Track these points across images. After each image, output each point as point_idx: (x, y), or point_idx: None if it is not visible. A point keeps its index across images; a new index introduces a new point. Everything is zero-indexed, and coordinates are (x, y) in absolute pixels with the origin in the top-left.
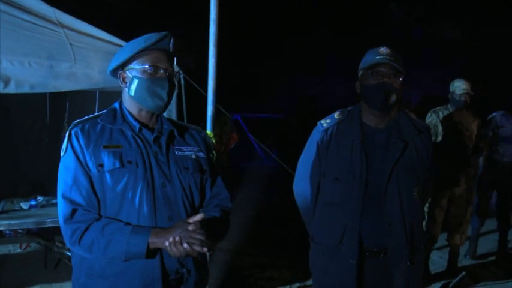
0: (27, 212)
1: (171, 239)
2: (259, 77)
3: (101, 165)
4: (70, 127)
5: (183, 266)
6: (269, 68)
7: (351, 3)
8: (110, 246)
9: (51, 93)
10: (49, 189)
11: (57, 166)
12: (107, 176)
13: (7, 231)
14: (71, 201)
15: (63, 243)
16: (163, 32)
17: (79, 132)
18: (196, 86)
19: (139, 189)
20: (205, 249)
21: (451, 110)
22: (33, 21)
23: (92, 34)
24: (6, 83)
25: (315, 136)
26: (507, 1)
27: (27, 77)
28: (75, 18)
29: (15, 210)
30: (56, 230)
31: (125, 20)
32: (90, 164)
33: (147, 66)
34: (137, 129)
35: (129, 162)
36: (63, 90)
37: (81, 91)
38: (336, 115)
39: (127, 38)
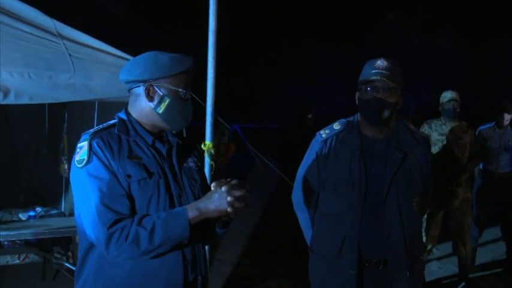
0: (26, 223)
1: (229, 198)
2: (257, 86)
3: (129, 176)
4: (87, 137)
5: (197, 272)
6: (267, 78)
7: (348, 13)
8: (154, 234)
9: (50, 104)
10: (48, 199)
11: (56, 176)
12: (135, 186)
13: (5, 242)
14: (112, 210)
15: (62, 254)
16: (191, 57)
17: (101, 142)
18: (195, 96)
19: (162, 199)
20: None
21: (443, 122)
22: (33, 32)
23: (91, 45)
24: (6, 94)
25: (314, 146)
26: (504, 10)
27: (27, 88)
28: (74, 30)
29: (14, 221)
30: (54, 241)
31: (123, 31)
32: (118, 174)
33: (180, 89)
34: (151, 141)
35: (153, 173)
36: (62, 101)
37: (80, 102)
38: (335, 126)
39: (126, 48)
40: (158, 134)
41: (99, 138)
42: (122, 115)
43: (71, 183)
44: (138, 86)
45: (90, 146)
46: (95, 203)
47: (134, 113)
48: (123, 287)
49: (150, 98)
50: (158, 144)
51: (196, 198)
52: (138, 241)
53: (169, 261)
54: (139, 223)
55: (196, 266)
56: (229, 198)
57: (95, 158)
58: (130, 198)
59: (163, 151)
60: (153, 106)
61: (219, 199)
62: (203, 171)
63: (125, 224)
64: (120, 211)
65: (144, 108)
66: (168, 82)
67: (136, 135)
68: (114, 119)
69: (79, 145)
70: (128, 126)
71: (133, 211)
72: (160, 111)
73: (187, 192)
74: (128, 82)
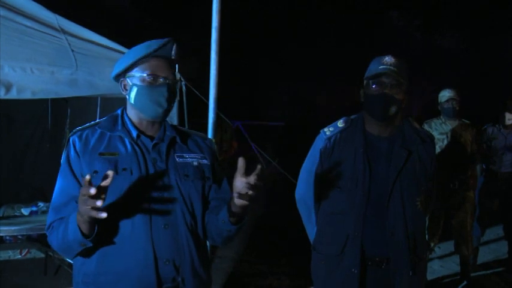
0: (28, 218)
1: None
2: (260, 83)
3: (96, 172)
4: (70, 134)
5: (178, 274)
6: (269, 75)
7: (351, 11)
8: (65, 234)
9: (53, 100)
10: (50, 195)
11: (58, 172)
12: (101, 182)
13: (7, 237)
14: (57, 210)
15: None
16: (165, 39)
17: (76, 139)
18: (198, 93)
19: (132, 195)
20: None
21: (443, 120)
22: (35, 27)
23: (94, 40)
24: (8, 88)
25: (318, 144)
26: (507, 9)
27: (29, 83)
28: (77, 25)
29: (16, 216)
30: None
31: (127, 27)
32: (85, 171)
33: (145, 74)
34: (135, 135)
35: (124, 169)
36: (64, 96)
37: (82, 97)
38: (339, 123)
39: (129, 44)
40: (148, 129)
41: (77, 135)
42: (119, 111)
43: None
44: (120, 83)
45: (68, 143)
46: (52, 198)
47: (126, 108)
48: (97, 283)
49: (126, 91)
50: (144, 139)
51: (183, 194)
52: (52, 239)
53: (140, 261)
54: (61, 220)
55: (178, 268)
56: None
57: (64, 156)
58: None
59: (149, 146)
60: (128, 97)
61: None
62: (213, 168)
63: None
64: (64, 212)
65: (127, 102)
66: (136, 70)
67: (123, 129)
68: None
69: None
70: (118, 121)
71: None
72: (132, 101)
73: (173, 188)
74: (115, 80)
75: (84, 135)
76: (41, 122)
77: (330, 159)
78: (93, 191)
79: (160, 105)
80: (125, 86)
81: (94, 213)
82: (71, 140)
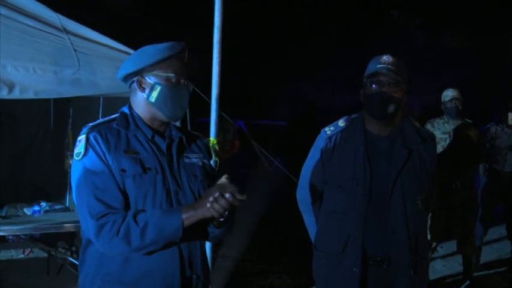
0: (30, 218)
1: (211, 198)
2: (261, 83)
3: (124, 170)
4: (86, 130)
5: (192, 271)
6: (270, 74)
7: (352, 10)
8: (146, 231)
9: (55, 99)
10: (52, 194)
11: (61, 172)
12: (130, 180)
13: (10, 237)
14: (104, 203)
15: (66, 249)
16: (182, 43)
17: (98, 136)
18: (200, 92)
19: (158, 195)
20: (244, 196)
21: (446, 120)
22: (38, 26)
23: (96, 40)
24: (11, 88)
25: (319, 143)
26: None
27: (32, 83)
28: (79, 24)
29: (19, 215)
30: (59, 236)
31: (128, 26)
32: (113, 168)
33: (171, 75)
34: (150, 136)
35: (149, 169)
36: (66, 96)
37: (85, 97)
38: (339, 122)
39: (131, 44)
40: (159, 128)
41: (96, 131)
42: (125, 109)
43: (71, 176)
44: (133, 81)
45: (87, 139)
46: (87, 196)
47: (135, 108)
48: (119, 282)
49: (142, 89)
50: (158, 139)
51: (195, 194)
52: (129, 237)
53: (166, 259)
54: (132, 219)
55: (192, 264)
56: (208, 205)
57: (90, 151)
58: (124, 193)
59: (163, 146)
60: (145, 96)
61: (216, 202)
62: (209, 168)
63: (116, 218)
64: (112, 204)
65: (140, 100)
66: (157, 69)
67: (137, 129)
68: (117, 113)
69: (78, 138)
70: (129, 120)
71: (127, 206)
72: (153, 100)
73: (185, 188)
74: (123, 79)
75: (103, 132)
76: (43, 121)
77: (330, 159)
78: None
79: (182, 107)
80: (141, 83)
81: (241, 196)
82: (91, 136)
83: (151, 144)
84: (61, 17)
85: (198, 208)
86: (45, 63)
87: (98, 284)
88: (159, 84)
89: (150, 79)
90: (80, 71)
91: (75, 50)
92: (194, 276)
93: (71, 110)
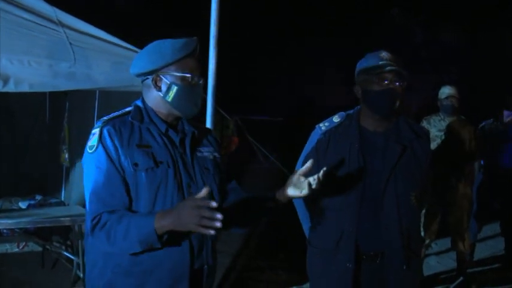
0: (25, 211)
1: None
2: (257, 78)
3: (136, 164)
4: (100, 124)
5: (204, 262)
6: (267, 70)
7: (351, 6)
8: (128, 234)
9: (51, 93)
10: (48, 188)
11: (56, 165)
12: (143, 174)
13: (4, 230)
14: (103, 201)
15: (61, 243)
16: (195, 38)
17: (112, 130)
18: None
19: (170, 189)
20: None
21: (442, 117)
22: (33, 20)
23: (92, 34)
24: (6, 81)
25: (314, 139)
26: (508, 5)
27: (27, 76)
28: (75, 18)
29: (14, 209)
30: (54, 230)
31: (124, 21)
32: (126, 163)
33: (188, 74)
34: (164, 129)
35: (161, 162)
36: (62, 89)
37: (81, 91)
38: (334, 118)
39: (126, 38)
40: (173, 122)
41: (110, 125)
42: (139, 102)
43: (82, 165)
44: (148, 78)
45: (101, 133)
46: (90, 192)
47: (149, 102)
48: (129, 273)
49: (158, 88)
50: (171, 133)
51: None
52: (109, 235)
53: (176, 251)
54: (119, 219)
55: (203, 255)
56: (196, 219)
57: (100, 147)
58: (133, 188)
59: (176, 140)
60: (162, 95)
61: (188, 216)
62: (219, 160)
63: (108, 218)
64: (111, 203)
65: (155, 98)
66: (173, 69)
67: (150, 122)
68: (130, 106)
69: (92, 131)
70: (143, 113)
71: (129, 203)
72: (170, 99)
73: (198, 181)
74: (136, 75)
75: (117, 126)
76: (39, 115)
77: (325, 154)
78: (214, 204)
79: (197, 105)
80: (156, 82)
81: (208, 223)
82: (105, 130)
83: (164, 138)
84: (57, 10)
85: (169, 221)
86: (40, 56)
87: (108, 275)
88: (175, 84)
89: (166, 79)
90: (75, 64)
91: (70, 44)
92: (206, 267)
93: (67, 104)
